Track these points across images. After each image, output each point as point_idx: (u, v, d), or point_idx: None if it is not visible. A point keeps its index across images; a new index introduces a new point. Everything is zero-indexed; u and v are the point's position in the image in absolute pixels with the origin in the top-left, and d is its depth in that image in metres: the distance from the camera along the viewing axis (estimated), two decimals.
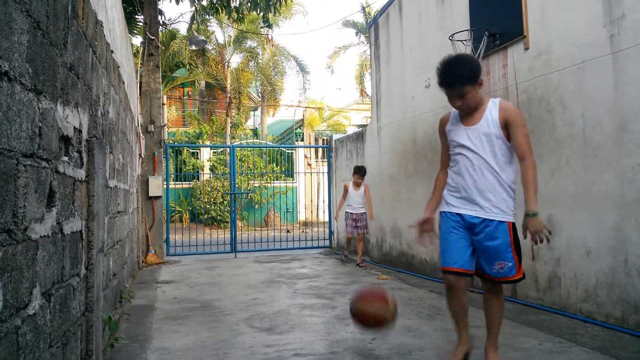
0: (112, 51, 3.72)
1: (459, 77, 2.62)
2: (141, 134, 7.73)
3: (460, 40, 5.40)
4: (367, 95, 23.46)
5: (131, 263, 5.97)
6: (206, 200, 16.12)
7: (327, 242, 10.33)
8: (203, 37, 13.25)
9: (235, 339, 3.65)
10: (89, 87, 2.59)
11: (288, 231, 12.89)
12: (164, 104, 8.77)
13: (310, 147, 19.74)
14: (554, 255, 4.37)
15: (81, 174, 2.31)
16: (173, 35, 18.65)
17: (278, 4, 9.29)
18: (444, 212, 2.84)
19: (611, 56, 3.84)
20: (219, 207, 15.86)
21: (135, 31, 10.00)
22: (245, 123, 23.51)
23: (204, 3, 9.54)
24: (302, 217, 17.71)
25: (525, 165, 2.63)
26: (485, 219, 2.67)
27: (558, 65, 4.38)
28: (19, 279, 1.37)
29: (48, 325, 1.69)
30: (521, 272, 2.73)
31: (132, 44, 8.10)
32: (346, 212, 7.91)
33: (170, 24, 17.48)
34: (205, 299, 5.15)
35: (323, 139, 21.20)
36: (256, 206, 16.89)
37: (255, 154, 18.41)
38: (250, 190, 16.67)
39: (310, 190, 17.94)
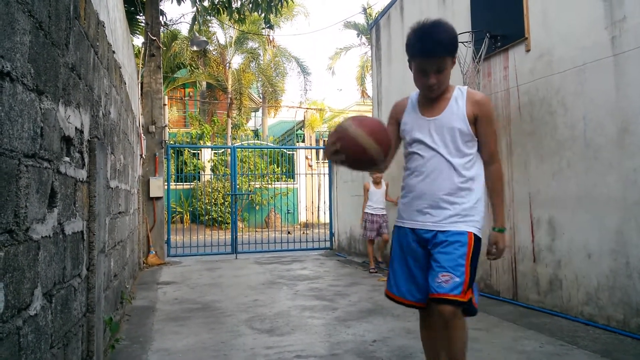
0: (113, 52, 3.72)
1: (440, 44, 2.08)
2: (142, 135, 7.73)
3: (462, 42, 5.39)
4: (368, 96, 23.47)
5: (132, 264, 5.96)
6: (207, 201, 16.12)
7: (328, 244, 10.33)
8: (204, 38, 13.27)
9: (235, 340, 3.65)
10: (90, 87, 2.59)
11: (289, 232, 12.88)
12: (165, 105, 8.77)
13: (311, 148, 19.74)
14: (554, 257, 4.36)
15: (82, 174, 2.30)
16: (174, 36, 18.67)
17: (279, 5, 9.29)
18: (395, 226, 2.31)
19: (612, 58, 3.83)
20: (220, 208, 15.86)
21: (137, 32, 10.01)
22: (246, 124, 23.53)
23: (206, 4, 9.55)
24: (303, 218, 17.71)
25: (493, 171, 2.20)
26: (440, 232, 2.10)
27: (559, 67, 4.38)
28: (20, 280, 1.37)
29: (49, 326, 1.69)
30: (467, 297, 2.00)
31: (133, 45, 8.10)
32: (365, 212, 7.39)
33: (172, 24, 17.51)
34: (206, 300, 5.15)
35: (324, 140, 21.20)
36: (257, 207, 16.88)
37: (256, 155, 18.41)
38: (251, 191, 16.67)
39: (311, 191, 17.94)
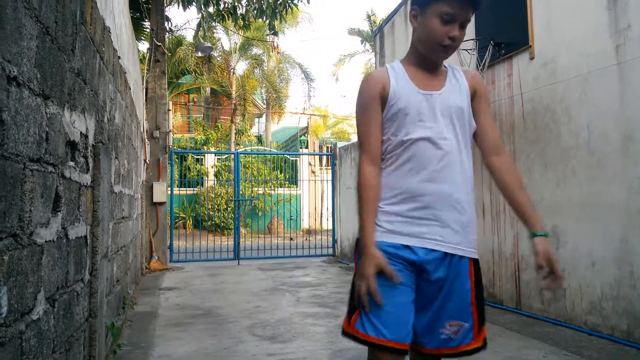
0: (119, 57, 3.74)
1: None
2: (146, 140, 7.76)
3: (466, 50, 5.40)
4: None
5: (134, 269, 5.96)
6: (210, 206, 16.14)
7: (330, 251, 10.30)
8: (209, 44, 13.32)
9: (237, 346, 3.64)
10: (95, 92, 2.61)
11: (291, 239, 12.86)
12: (170, 110, 8.80)
13: (314, 155, 19.75)
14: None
15: (87, 179, 2.31)
16: (179, 41, 18.78)
17: (284, 11, 9.33)
18: (380, 242, 1.58)
19: (617, 66, 3.83)
20: (223, 214, 15.86)
21: (142, 37, 10.06)
22: (249, 130, 23.59)
23: (211, 10, 9.60)
24: (305, 224, 17.70)
25: (508, 163, 1.71)
26: (449, 255, 1.58)
27: (563, 75, 4.38)
28: (23, 284, 1.37)
29: (52, 330, 1.69)
30: (481, 339, 1.62)
31: (138, 50, 8.15)
32: None
33: (177, 30, 17.61)
34: (208, 306, 5.14)
35: (327, 147, 21.22)
36: (259, 213, 16.88)
37: (259, 160, 18.44)
38: (254, 197, 16.69)
39: (314, 198, 17.93)
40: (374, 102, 1.64)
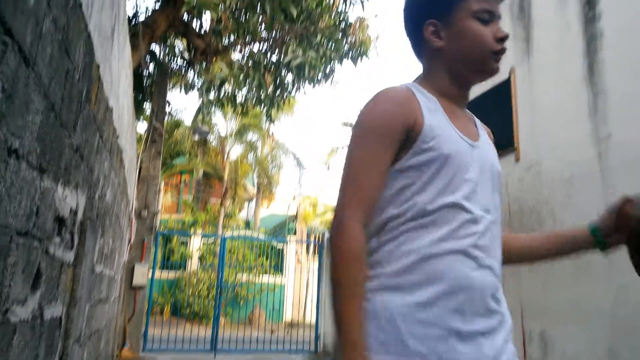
0: (117, 136, 3.81)
1: None
2: (134, 219, 7.68)
3: None
4: None
5: (105, 356, 5.61)
6: (191, 292, 15.63)
7: (312, 347, 9.84)
8: (207, 128, 13.71)
9: None
10: (91, 169, 2.61)
11: (272, 331, 12.35)
12: (160, 190, 8.83)
13: (302, 243, 19.59)
14: None
15: (70, 257, 2.24)
16: (177, 124, 19.31)
17: (282, 101, 9.75)
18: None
19: (599, 172, 3.97)
20: (203, 301, 15.34)
21: (142, 117, 10.36)
22: (238, 214, 23.56)
23: (211, 96, 10.00)
24: (288, 316, 17.09)
25: (508, 233, 1.35)
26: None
27: (548, 178, 4.52)
28: None
29: None
30: None
31: (137, 130, 8.34)
32: None
33: (176, 113, 18.19)
34: None
35: (315, 235, 21.14)
36: (241, 302, 16.34)
37: (245, 246, 18.21)
38: (237, 284, 16.25)
39: (299, 288, 17.51)
40: (389, 134, 1.08)
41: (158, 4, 7.84)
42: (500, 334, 1.06)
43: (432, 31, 1.20)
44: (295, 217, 23.79)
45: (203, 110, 11.36)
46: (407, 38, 1.29)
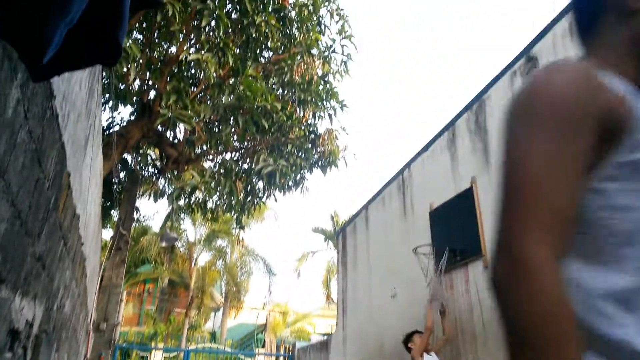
0: (82, 243, 3.72)
1: None
2: (91, 332, 7.21)
3: (423, 254, 5.66)
4: (333, 301, 23.23)
5: None
6: None
7: None
8: (175, 235, 13.51)
9: None
10: (52, 278, 2.52)
11: None
12: (122, 301, 8.42)
13: (270, 355, 18.55)
14: None
15: None
16: (145, 230, 18.97)
17: (252, 208, 9.82)
18: None
19: None
20: None
21: (109, 224, 10.18)
22: (204, 325, 22.42)
23: (181, 203, 10.00)
24: None
25: None
26: None
27: None
28: None
29: None
30: None
31: (102, 237, 8.15)
32: None
33: (144, 220, 17.96)
34: None
35: (285, 347, 20.10)
36: None
37: None
38: None
39: None
40: (584, 122, 0.73)
41: (133, 116, 8.14)
42: None
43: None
44: (264, 327, 22.79)
45: (172, 217, 11.29)
46: (577, 6, 0.99)
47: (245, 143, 8.61)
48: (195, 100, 7.44)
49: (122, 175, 9.10)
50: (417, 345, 4.78)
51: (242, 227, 11.70)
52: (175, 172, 9.05)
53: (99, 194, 5.17)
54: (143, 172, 9.44)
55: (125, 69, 6.69)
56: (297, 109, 8.04)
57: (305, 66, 7.59)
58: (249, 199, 9.49)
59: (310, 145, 8.42)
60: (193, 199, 9.72)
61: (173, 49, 7.35)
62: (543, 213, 0.67)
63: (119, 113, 8.96)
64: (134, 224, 10.05)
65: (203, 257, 22.06)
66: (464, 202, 5.47)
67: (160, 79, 7.01)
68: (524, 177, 0.71)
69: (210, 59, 6.38)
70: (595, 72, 0.78)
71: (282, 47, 7.77)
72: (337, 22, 8.19)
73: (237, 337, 24.88)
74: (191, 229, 23.37)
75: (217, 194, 9.38)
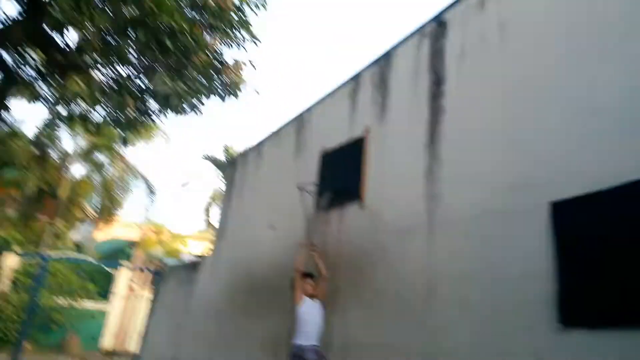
0: None
1: None
2: None
3: (307, 191, 6.14)
4: (212, 227, 23.46)
5: None
6: None
7: None
8: (47, 142, 12.56)
9: None
10: None
11: None
12: None
13: (136, 269, 18.45)
14: None
15: None
16: (15, 133, 17.18)
17: (141, 126, 9.52)
18: None
19: (427, 226, 4.56)
20: (8, 325, 13.58)
21: None
22: (69, 235, 21.38)
23: (62, 111, 9.30)
24: (110, 343, 15.83)
25: None
26: None
27: (386, 228, 5.06)
28: None
29: None
30: None
31: None
32: (299, 345, 4.77)
33: (17, 124, 16.28)
34: None
35: (155, 263, 20.10)
36: (54, 327, 14.79)
37: (73, 270, 16.58)
38: (52, 308, 14.66)
39: (128, 316, 16.41)
40: None
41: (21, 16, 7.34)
42: None
43: None
44: (135, 243, 22.45)
45: (50, 125, 10.50)
46: None
47: (144, 60, 8.20)
48: (93, 6, 6.86)
49: None
50: (295, 289, 5.06)
51: (125, 144, 11.28)
52: (60, 79, 8.39)
53: None
54: (19, 72, 8.57)
55: None
56: (206, 35, 7.84)
57: None
58: (138, 117, 9.13)
59: (213, 73, 8.31)
60: (77, 109, 9.13)
61: None
62: None
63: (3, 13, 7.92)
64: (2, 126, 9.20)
65: (79, 170, 20.72)
66: (354, 149, 5.86)
67: None
68: None
69: None
70: None
71: None
72: None
73: (107, 251, 24.20)
74: (69, 140, 21.63)
75: (103, 107, 8.90)
